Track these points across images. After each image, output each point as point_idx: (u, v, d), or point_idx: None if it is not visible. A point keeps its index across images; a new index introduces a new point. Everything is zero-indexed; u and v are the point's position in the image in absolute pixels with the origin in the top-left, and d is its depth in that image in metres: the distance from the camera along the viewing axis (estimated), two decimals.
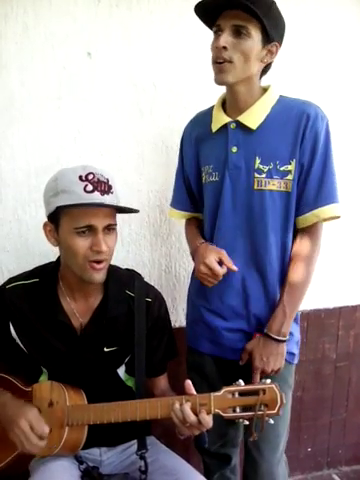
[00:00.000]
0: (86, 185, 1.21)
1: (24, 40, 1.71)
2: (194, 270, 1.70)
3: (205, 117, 1.58)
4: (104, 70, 1.79)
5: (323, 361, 2.29)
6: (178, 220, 1.83)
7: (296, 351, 1.58)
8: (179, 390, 1.52)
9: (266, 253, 1.47)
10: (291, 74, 1.93)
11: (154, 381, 1.51)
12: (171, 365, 1.56)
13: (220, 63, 1.37)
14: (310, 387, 2.31)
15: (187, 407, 1.18)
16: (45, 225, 1.33)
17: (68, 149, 1.80)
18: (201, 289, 1.58)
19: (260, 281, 1.50)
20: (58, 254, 1.38)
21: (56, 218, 1.27)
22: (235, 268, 1.44)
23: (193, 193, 1.66)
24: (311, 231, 1.47)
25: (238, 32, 1.34)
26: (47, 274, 1.41)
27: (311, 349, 2.21)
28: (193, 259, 1.60)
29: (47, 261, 1.49)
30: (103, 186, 1.24)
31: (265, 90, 1.48)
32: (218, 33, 1.37)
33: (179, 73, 1.87)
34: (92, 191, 1.21)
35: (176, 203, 1.72)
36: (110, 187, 1.26)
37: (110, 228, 1.27)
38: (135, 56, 1.82)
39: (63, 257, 1.34)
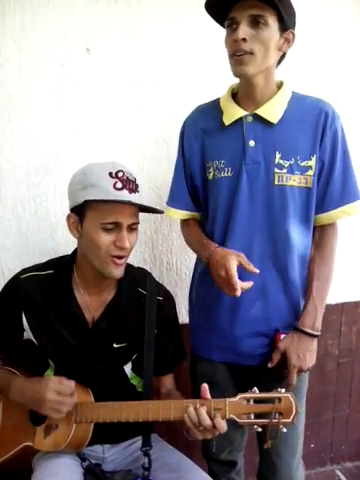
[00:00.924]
0: (116, 182, 1.23)
1: (22, 37, 1.70)
2: (195, 273, 1.69)
3: (212, 110, 1.52)
4: (103, 67, 1.78)
5: (326, 357, 2.29)
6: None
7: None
8: (182, 387, 1.53)
9: (287, 251, 1.44)
10: (296, 70, 1.91)
11: (161, 380, 1.52)
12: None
13: (239, 55, 1.32)
14: (313, 383, 2.29)
15: (203, 411, 1.18)
16: (69, 217, 1.33)
17: (68, 146, 1.79)
18: (212, 294, 1.52)
19: (281, 281, 1.46)
20: (58, 252, 1.38)
21: (82, 211, 1.28)
22: (257, 271, 1.35)
23: (196, 191, 1.59)
24: (333, 226, 1.49)
25: (256, 22, 1.30)
26: (62, 266, 1.42)
27: None
28: (207, 264, 1.47)
29: (46, 258, 1.49)
30: (131, 185, 1.26)
31: (279, 85, 1.46)
32: (232, 26, 1.33)
33: (179, 69, 1.86)
34: (121, 189, 1.23)
35: (176, 202, 1.62)
36: (137, 186, 1.29)
37: (133, 227, 1.30)
38: (134, 52, 1.81)
39: (83, 250, 1.35)
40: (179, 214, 1.63)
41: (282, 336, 1.46)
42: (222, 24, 1.40)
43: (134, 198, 1.26)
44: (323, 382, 2.33)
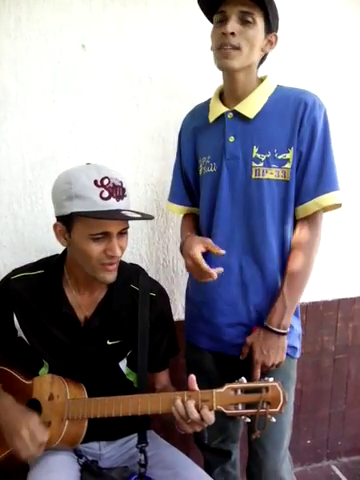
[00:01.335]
0: (102, 191, 1.20)
1: (17, 34, 1.69)
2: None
3: (203, 109, 1.58)
4: (99, 63, 1.78)
5: (322, 353, 2.30)
6: (177, 215, 1.82)
7: (298, 345, 1.56)
8: (178, 383, 1.53)
9: (265, 244, 1.45)
10: (289, 66, 1.92)
11: (156, 376, 1.52)
12: (171, 359, 1.56)
13: (226, 49, 1.35)
14: (309, 379, 2.31)
15: (191, 404, 1.17)
16: (55, 226, 1.31)
17: (63, 143, 1.79)
18: (198, 284, 1.55)
19: (259, 273, 1.48)
20: (54, 249, 1.37)
21: (69, 221, 1.25)
22: (222, 252, 1.39)
23: (191, 186, 1.66)
24: (311, 221, 1.45)
25: (244, 19, 1.34)
26: (53, 266, 1.41)
27: (310, 342, 2.21)
28: (182, 254, 1.54)
29: (42, 255, 1.50)
30: (118, 191, 1.23)
31: (261, 80, 1.49)
32: (222, 21, 1.36)
33: (175, 65, 1.86)
34: (108, 198, 1.21)
35: (174, 197, 1.71)
36: (124, 190, 1.26)
37: (123, 231, 1.28)
38: (130, 48, 1.80)
39: (73, 256, 1.34)
40: (179, 209, 1.71)
41: (257, 329, 1.48)
42: (210, 18, 1.44)
43: (122, 205, 1.24)
44: (319, 378, 2.34)
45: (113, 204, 1.21)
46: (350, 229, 2.21)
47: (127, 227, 1.30)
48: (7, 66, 1.70)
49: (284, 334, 1.44)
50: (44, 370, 1.44)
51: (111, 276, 1.30)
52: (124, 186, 1.26)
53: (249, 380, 1.22)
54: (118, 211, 1.22)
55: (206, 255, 1.42)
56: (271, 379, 1.19)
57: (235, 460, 1.83)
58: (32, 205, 1.79)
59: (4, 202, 1.77)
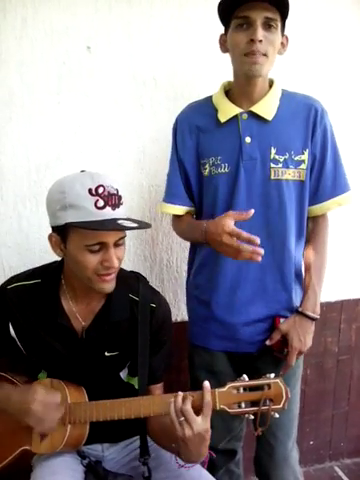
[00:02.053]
0: (97, 200, 1.16)
1: (23, 35, 1.70)
2: (192, 266, 1.70)
3: (206, 107, 1.55)
4: (104, 64, 1.78)
5: (325, 354, 2.30)
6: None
7: None
8: (182, 384, 1.53)
9: (284, 244, 1.50)
10: (288, 68, 1.92)
11: (150, 389, 1.43)
12: (175, 360, 1.55)
13: (255, 56, 1.35)
14: (312, 380, 2.31)
15: (187, 396, 1.16)
16: (50, 236, 1.27)
17: (68, 144, 1.79)
18: (210, 282, 1.56)
19: (278, 272, 1.52)
20: (68, 265, 1.36)
21: (64, 232, 1.21)
22: (251, 212, 1.28)
23: (191, 187, 1.61)
24: (324, 217, 1.58)
25: (268, 25, 1.35)
26: (49, 275, 1.37)
27: (313, 343, 2.18)
28: (204, 243, 1.47)
29: (47, 256, 1.49)
30: (114, 199, 1.19)
31: (270, 83, 1.51)
32: (244, 25, 1.35)
33: (179, 67, 1.86)
34: (103, 207, 1.16)
35: (172, 197, 1.63)
36: (120, 198, 1.21)
37: (120, 242, 1.24)
38: (135, 50, 1.80)
39: (70, 266, 1.30)
40: (176, 210, 1.64)
41: (281, 320, 1.52)
42: (225, 21, 1.43)
43: (118, 213, 1.20)
44: (322, 379, 2.34)
45: (109, 213, 1.17)
46: (353, 231, 2.21)
47: (124, 236, 1.25)
48: (13, 67, 1.71)
49: (316, 319, 1.51)
50: (42, 374, 1.42)
51: (109, 286, 1.26)
52: (120, 194, 1.22)
53: (255, 376, 1.22)
54: (114, 220, 1.17)
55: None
56: (272, 375, 1.19)
57: (239, 459, 1.84)
58: (37, 206, 1.79)
59: (9, 203, 1.78)
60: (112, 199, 1.18)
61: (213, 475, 1.38)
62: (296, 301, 1.56)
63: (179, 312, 2.02)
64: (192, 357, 1.69)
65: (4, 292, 1.38)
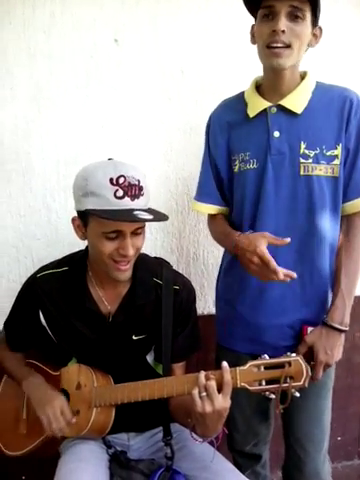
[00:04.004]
0: (116, 190, 1.18)
1: (52, 29, 1.72)
2: (222, 265, 1.68)
3: (237, 103, 1.53)
4: (131, 57, 1.79)
5: (353, 350, 2.26)
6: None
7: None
8: None
9: (315, 242, 1.43)
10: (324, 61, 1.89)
11: (172, 367, 1.45)
12: (200, 353, 1.55)
13: (277, 47, 1.31)
14: (340, 375, 2.26)
15: (210, 374, 1.17)
16: (74, 220, 1.32)
17: (96, 137, 1.81)
18: (238, 284, 1.53)
19: (309, 272, 1.45)
20: (86, 242, 1.39)
21: (85, 217, 1.26)
22: (287, 240, 1.30)
23: (223, 185, 1.58)
24: (358, 217, 1.45)
25: (294, 15, 1.29)
26: (76, 262, 1.42)
27: None
28: (235, 256, 1.46)
29: (76, 248, 1.51)
30: (134, 190, 1.21)
31: (302, 76, 1.45)
32: (269, 16, 1.32)
33: (207, 58, 1.85)
34: (122, 197, 1.19)
35: (203, 196, 1.61)
36: (141, 189, 1.23)
37: (138, 231, 1.26)
38: (162, 42, 1.80)
39: (90, 252, 1.36)
40: (207, 209, 1.62)
41: (309, 329, 1.45)
42: (253, 11, 1.39)
43: (137, 204, 1.21)
44: (350, 374, 2.31)
45: (127, 203, 1.19)
46: None
47: (142, 226, 1.27)
48: (42, 61, 1.73)
49: (345, 331, 1.42)
50: (73, 363, 1.46)
51: (123, 275, 1.29)
52: (141, 184, 1.23)
53: (272, 357, 1.21)
54: (131, 211, 1.19)
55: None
56: (293, 354, 1.19)
57: (265, 461, 1.82)
58: (66, 199, 1.82)
59: (38, 196, 1.81)
60: (132, 190, 1.20)
61: None
62: None
63: (206, 305, 2.02)
64: (218, 358, 1.66)
65: (34, 281, 1.43)
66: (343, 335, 1.43)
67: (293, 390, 1.17)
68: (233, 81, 1.68)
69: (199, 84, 1.86)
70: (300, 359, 1.17)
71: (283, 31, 1.29)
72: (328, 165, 1.40)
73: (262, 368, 1.19)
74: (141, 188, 1.23)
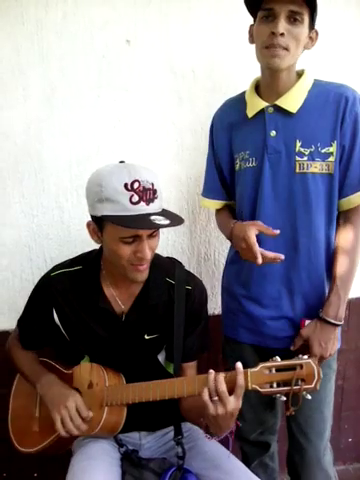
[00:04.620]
0: (132, 195, 1.20)
1: (64, 29, 1.73)
2: (228, 258, 1.73)
3: (238, 103, 1.58)
4: (143, 57, 1.79)
5: None
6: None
7: (339, 336, 1.56)
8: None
9: (311, 238, 1.46)
10: (323, 60, 1.89)
11: (182, 367, 1.47)
12: (211, 352, 1.55)
13: (275, 49, 1.34)
14: (351, 376, 2.27)
15: (221, 377, 1.17)
16: (89, 224, 1.33)
17: (108, 137, 1.82)
18: (239, 276, 1.59)
19: (305, 267, 1.49)
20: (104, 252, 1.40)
21: (101, 222, 1.28)
22: (276, 232, 1.39)
23: (226, 182, 1.66)
24: (355, 212, 1.48)
25: (293, 18, 1.33)
26: (90, 262, 1.43)
27: (352, 337, 2.17)
28: (232, 244, 1.59)
29: (87, 248, 1.52)
30: (148, 194, 1.22)
31: (299, 75, 1.48)
32: (269, 18, 1.34)
33: (218, 59, 1.85)
34: (138, 202, 1.20)
35: (209, 192, 1.71)
36: (155, 192, 1.24)
37: (154, 233, 1.28)
38: (174, 43, 1.81)
39: (106, 255, 1.37)
40: (213, 204, 1.71)
41: (306, 322, 1.49)
42: (253, 12, 1.42)
43: (152, 208, 1.23)
44: None
45: (143, 208, 1.21)
46: None
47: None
48: (54, 62, 1.74)
49: (340, 325, 1.46)
50: (85, 361, 1.47)
51: (141, 276, 1.31)
52: (155, 188, 1.24)
53: (284, 359, 1.21)
54: (148, 216, 1.20)
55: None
56: (305, 356, 1.19)
57: (273, 452, 1.84)
58: (78, 198, 1.83)
59: (51, 195, 1.82)
60: (147, 194, 1.22)
61: (247, 467, 1.39)
62: None
63: (216, 305, 2.02)
64: (224, 348, 1.72)
65: (48, 279, 1.44)
66: (338, 329, 1.47)
67: (304, 392, 1.17)
68: (243, 82, 1.67)
69: (210, 84, 1.86)
70: (312, 362, 1.17)
71: (282, 34, 1.32)
72: (323, 162, 1.43)
73: (274, 370, 1.19)
74: (155, 191, 1.24)
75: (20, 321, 1.55)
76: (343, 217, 1.50)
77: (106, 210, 1.22)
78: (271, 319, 1.54)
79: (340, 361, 1.60)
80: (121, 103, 1.80)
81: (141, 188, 1.21)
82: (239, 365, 1.18)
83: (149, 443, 1.50)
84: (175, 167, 1.90)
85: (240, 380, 1.16)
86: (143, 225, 1.20)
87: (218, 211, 1.74)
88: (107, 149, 1.81)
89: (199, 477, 1.34)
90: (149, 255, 1.26)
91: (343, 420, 2.32)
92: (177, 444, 1.40)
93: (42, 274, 1.50)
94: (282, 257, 1.37)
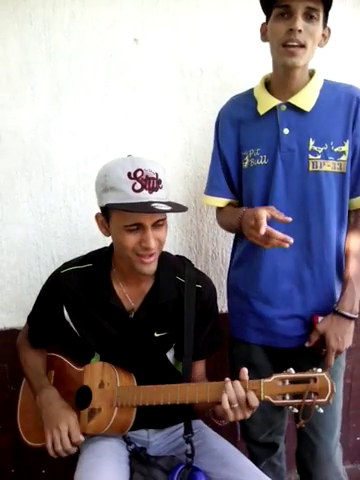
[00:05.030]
0: (134, 183, 1.21)
1: (72, 29, 1.73)
2: (232, 258, 1.72)
3: (246, 100, 1.57)
4: (151, 56, 1.80)
5: None
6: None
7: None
8: (223, 375, 1.53)
9: (323, 236, 1.47)
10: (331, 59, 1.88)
11: (192, 364, 1.48)
12: (219, 352, 1.55)
13: (293, 46, 1.34)
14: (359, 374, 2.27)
15: (239, 383, 1.19)
16: (97, 216, 1.35)
17: (116, 136, 1.82)
18: (248, 276, 1.58)
19: (317, 265, 1.49)
20: (107, 240, 1.40)
21: (106, 212, 1.29)
22: (289, 219, 1.34)
23: (232, 179, 1.63)
24: None
25: (309, 15, 1.33)
26: (100, 259, 1.44)
27: None
28: (237, 234, 1.59)
29: (95, 246, 1.52)
30: (152, 183, 1.23)
31: (310, 74, 1.49)
32: (285, 15, 1.34)
33: (226, 57, 1.85)
34: (140, 190, 1.21)
35: (213, 189, 1.67)
36: (159, 182, 1.25)
37: (160, 223, 1.28)
38: (182, 41, 1.81)
39: (115, 247, 1.37)
40: (218, 202, 1.67)
41: (319, 318, 1.49)
42: (267, 9, 1.41)
43: (155, 196, 1.23)
44: None
45: (145, 196, 1.21)
46: None
47: (163, 218, 1.29)
48: (62, 61, 1.75)
49: (355, 319, 1.46)
50: (95, 359, 1.48)
51: (148, 268, 1.30)
52: (160, 178, 1.25)
53: (300, 370, 1.21)
54: (149, 203, 1.21)
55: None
56: (319, 370, 1.18)
57: (281, 452, 1.83)
58: (86, 197, 1.83)
59: (59, 194, 1.83)
60: (150, 183, 1.23)
61: None
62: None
63: (224, 303, 2.01)
64: (231, 350, 1.71)
65: (58, 277, 1.45)
66: (353, 322, 1.47)
67: (317, 406, 1.17)
68: (252, 80, 1.67)
69: (218, 83, 1.86)
70: (326, 376, 1.17)
71: (300, 30, 1.32)
72: (336, 161, 1.45)
73: (287, 382, 1.19)
74: (159, 181, 1.25)
75: (30, 318, 1.55)
76: (354, 216, 1.51)
77: (110, 199, 1.24)
78: (282, 318, 1.53)
79: (348, 359, 1.59)
80: (129, 102, 1.81)
81: (144, 177, 1.22)
82: (244, 370, 1.22)
83: (157, 441, 1.50)
84: (183, 165, 1.90)
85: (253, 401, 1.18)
86: (142, 209, 1.20)
87: (220, 209, 1.70)
88: (115, 147, 1.82)
89: (207, 474, 1.34)
90: (153, 244, 1.25)
91: (351, 419, 2.31)
92: (187, 442, 1.40)
93: (50, 272, 1.51)
94: (291, 241, 1.31)
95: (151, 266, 1.31)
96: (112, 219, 1.28)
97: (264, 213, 1.32)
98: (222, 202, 1.67)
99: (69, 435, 1.30)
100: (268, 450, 1.77)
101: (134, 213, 1.21)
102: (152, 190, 1.23)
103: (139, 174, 1.22)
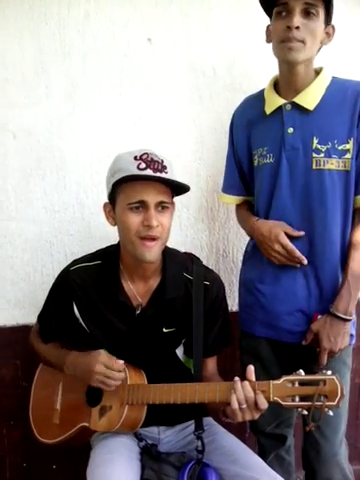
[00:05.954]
0: (139, 163, 1.25)
1: (86, 28, 1.75)
2: (246, 252, 1.75)
3: (257, 100, 1.60)
4: (164, 56, 1.81)
5: None
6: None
7: (354, 332, 1.57)
8: (233, 373, 1.54)
9: (326, 233, 1.47)
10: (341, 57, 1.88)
11: (203, 361, 1.49)
12: (229, 348, 1.56)
13: (290, 42, 1.36)
14: None
15: (248, 384, 1.20)
16: (105, 206, 1.39)
17: (129, 135, 1.84)
18: (256, 270, 1.61)
19: (321, 262, 1.50)
20: (118, 237, 1.42)
21: (113, 197, 1.33)
22: (302, 233, 1.44)
23: (245, 177, 1.68)
24: None
25: (308, 12, 1.35)
26: (109, 256, 1.45)
27: None
28: (252, 238, 1.62)
29: (108, 244, 1.53)
30: (156, 165, 1.26)
31: (318, 72, 1.50)
32: (283, 13, 1.37)
33: (238, 57, 1.86)
34: (145, 169, 1.25)
35: (228, 188, 1.74)
36: (164, 167, 1.28)
37: (163, 206, 1.30)
38: (195, 41, 1.82)
39: (119, 236, 1.39)
40: (233, 199, 1.75)
41: (319, 317, 1.50)
42: (268, 11, 1.45)
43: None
44: None
45: (150, 174, 1.25)
46: None
47: (167, 202, 1.31)
48: (76, 60, 1.77)
49: (349, 320, 1.46)
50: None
51: (150, 254, 1.30)
52: (165, 164, 1.29)
53: (308, 367, 1.22)
54: (148, 176, 1.25)
55: None
56: (329, 372, 1.18)
57: (290, 446, 1.83)
58: (98, 195, 1.85)
59: (72, 192, 1.85)
60: (154, 164, 1.26)
61: (263, 460, 1.40)
62: None
63: (235, 302, 2.02)
64: (240, 342, 1.73)
65: (67, 273, 1.47)
66: (348, 324, 1.48)
67: (326, 409, 1.17)
68: (264, 80, 1.68)
69: (230, 82, 1.87)
70: (336, 379, 1.17)
71: (297, 27, 1.35)
72: (340, 159, 1.45)
73: (296, 384, 1.19)
74: (164, 166, 1.28)
75: (41, 315, 1.57)
76: (359, 214, 1.50)
77: (115, 179, 1.28)
78: (286, 314, 1.55)
79: (356, 359, 1.59)
80: (142, 101, 1.82)
81: (149, 158, 1.26)
82: (251, 368, 1.23)
83: (168, 437, 1.51)
84: (195, 164, 1.91)
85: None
86: (143, 177, 1.25)
87: (238, 206, 1.77)
88: (128, 146, 1.79)
89: (218, 471, 1.35)
90: (155, 222, 1.26)
91: (358, 419, 2.31)
92: (197, 438, 1.41)
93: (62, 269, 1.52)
94: (305, 262, 1.46)
95: (152, 252, 1.30)
96: (118, 202, 1.32)
97: (287, 240, 1.43)
98: (237, 200, 1.74)
99: (108, 367, 1.31)
100: (276, 442, 1.78)
101: (137, 188, 1.25)
102: (156, 171, 1.26)
103: (145, 156, 1.27)
